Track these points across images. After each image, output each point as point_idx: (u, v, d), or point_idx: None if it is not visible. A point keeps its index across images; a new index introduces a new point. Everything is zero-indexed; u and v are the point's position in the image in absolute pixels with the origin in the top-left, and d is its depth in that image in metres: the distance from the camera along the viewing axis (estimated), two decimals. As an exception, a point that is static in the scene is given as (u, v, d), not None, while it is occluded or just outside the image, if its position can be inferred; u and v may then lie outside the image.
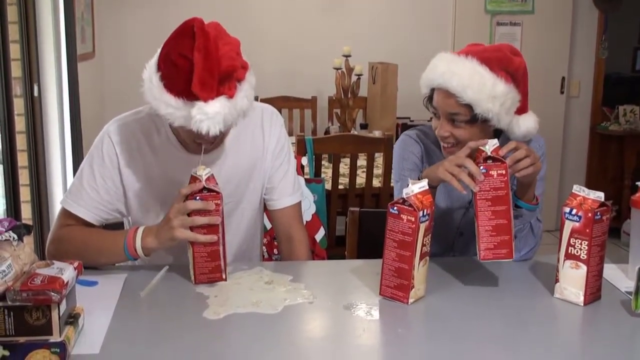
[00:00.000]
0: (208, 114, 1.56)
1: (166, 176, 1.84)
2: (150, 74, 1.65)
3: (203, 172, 1.65)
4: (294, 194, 2.02)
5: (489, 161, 1.65)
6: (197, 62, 1.56)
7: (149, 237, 1.71)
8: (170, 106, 1.60)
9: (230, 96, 1.61)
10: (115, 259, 1.79)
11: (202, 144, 1.74)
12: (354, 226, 2.27)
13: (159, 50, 1.67)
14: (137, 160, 1.85)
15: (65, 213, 1.85)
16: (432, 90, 1.95)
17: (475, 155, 1.70)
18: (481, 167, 1.65)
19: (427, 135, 2.08)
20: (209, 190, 1.64)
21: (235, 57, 1.65)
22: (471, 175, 1.65)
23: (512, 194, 1.70)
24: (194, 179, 1.65)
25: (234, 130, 1.90)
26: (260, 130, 1.96)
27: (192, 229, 1.65)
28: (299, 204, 2.06)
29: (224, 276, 1.70)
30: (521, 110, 1.87)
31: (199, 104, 1.57)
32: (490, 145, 1.68)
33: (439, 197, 1.92)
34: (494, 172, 1.65)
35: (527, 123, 1.88)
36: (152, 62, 1.67)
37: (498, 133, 1.93)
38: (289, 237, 2.03)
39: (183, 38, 1.59)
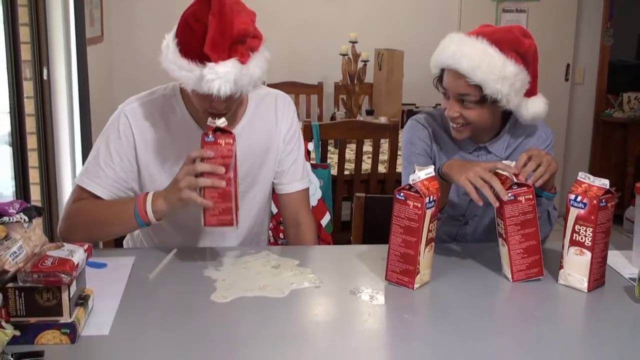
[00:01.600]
0: (218, 73, 1.60)
1: (181, 156, 1.84)
2: (168, 41, 1.70)
3: (219, 121, 1.66)
4: (303, 179, 2.05)
5: (515, 187, 1.66)
6: (211, 25, 1.60)
7: (158, 200, 1.71)
8: (183, 69, 1.65)
9: (243, 62, 1.64)
10: (126, 226, 1.80)
11: (215, 114, 1.74)
12: (359, 211, 2.29)
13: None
14: (153, 139, 1.87)
15: (78, 191, 1.86)
16: (442, 70, 1.95)
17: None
18: (510, 195, 1.65)
19: (435, 118, 2.09)
20: (222, 131, 1.65)
21: (249, 24, 1.68)
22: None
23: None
24: (209, 127, 1.66)
25: (248, 113, 1.92)
26: (273, 115, 1.98)
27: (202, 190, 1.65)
28: (307, 190, 2.08)
29: (235, 221, 1.67)
30: (530, 92, 1.88)
31: (210, 65, 1.60)
32: (513, 167, 1.68)
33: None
34: (522, 198, 1.65)
35: (535, 106, 1.90)
36: (172, 32, 1.71)
37: (507, 115, 1.94)
38: (297, 222, 2.05)
39: (201, 4, 1.64)
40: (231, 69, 1.61)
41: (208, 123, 1.66)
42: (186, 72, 1.65)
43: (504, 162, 1.72)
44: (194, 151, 1.65)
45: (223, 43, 1.62)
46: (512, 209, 1.66)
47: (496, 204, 1.64)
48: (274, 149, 1.98)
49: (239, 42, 1.64)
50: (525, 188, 1.65)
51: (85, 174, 1.86)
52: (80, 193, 1.85)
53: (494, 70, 1.79)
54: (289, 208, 2.05)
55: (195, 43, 1.62)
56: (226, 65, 1.61)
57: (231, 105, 1.77)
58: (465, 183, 1.69)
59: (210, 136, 1.64)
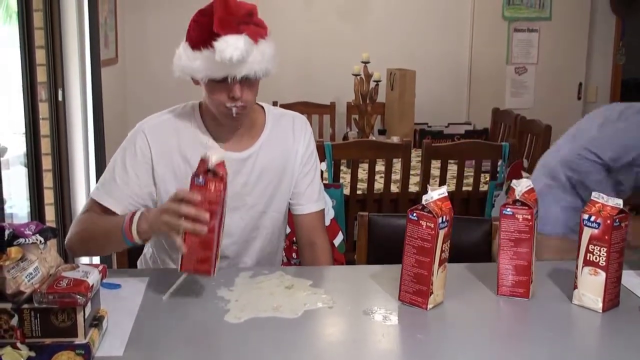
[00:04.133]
0: (229, 42, 1.65)
1: None
2: (180, 51, 1.79)
3: (214, 157, 1.57)
4: (318, 200, 2.06)
5: (517, 204, 1.67)
6: (217, 8, 1.67)
7: (144, 222, 1.68)
8: (196, 59, 1.72)
9: (253, 41, 1.70)
10: (116, 243, 1.74)
11: (234, 109, 1.77)
12: (363, 231, 2.29)
13: None
14: (170, 155, 1.88)
15: (90, 203, 1.88)
16: None
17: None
18: (508, 209, 1.67)
19: None
20: (214, 173, 1.57)
21: (253, 9, 1.75)
22: None
23: None
24: (203, 161, 1.57)
25: (265, 133, 1.94)
26: (291, 136, 1.99)
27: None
28: (322, 211, 2.08)
29: (212, 271, 1.59)
30: None
31: (221, 38, 1.66)
32: (523, 187, 1.68)
33: None
34: (519, 216, 1.66)
35: None
36: (182, 42, 1.80)
37: None
38: (312, 243, 2.05)
39: (205, 6, 1.73)
40: (241, 39, 1.66)
41: (202, 157, 1.57)
42: (200, 61, 1.71)
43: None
44: (182, 191, 1.58)
45: (231, 21, 1.67)
46: (508, 224, 1.67)
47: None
48: (290, 170, 1.99)
49: (246, 22, 1.70)
50: (527, 208, 1.65)
51: (101, 188, 1.88)
52: (93, 206, 1.87)
53: None
54: (304, 229, 2.06)
55: (203, 31, 1.69)
56: (236, 37, 1.66)
57: (248, 95, 1.78)
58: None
59: (201, 179, 1.56)
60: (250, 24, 1.71)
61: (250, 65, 1.70)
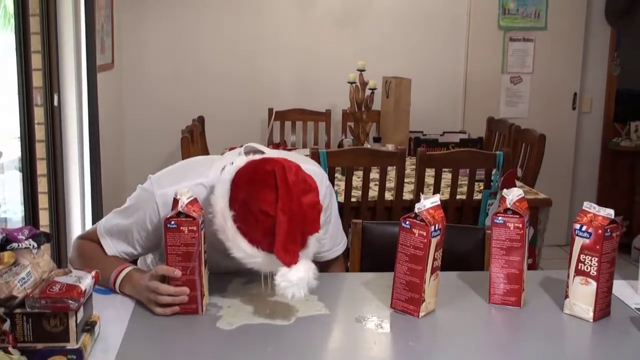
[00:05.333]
0: (292, 281, 1.51)
1: (211, 244, 1.69)
2: (220, 207, 1.57)
3: (184, 197, 1.57)
4: (331, 249, 2.00)
5: (509, 212, 1.68)
6: (281, 225, 1.51)
7: (127, 285, 1.69)
8: (243, 252, 1.55)
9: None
10: (104, 285, 1.73)
11: None
12: (356, 238, 2.29)
13: (225, 178, 1.59)
14: None
15: (94, 233, 1.85)
16: None
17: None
18: (499, 218, 1.68)
19: None
20: (186, 215, 1.56)
21: (317, 217, 1.60)
22: None
23: None
24: (176, 201, 1.58)
25: None
26: None
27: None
28: (341, 254, 2.05)
29: (200, 309, 1.61)
30: None
31: (283, 270, 1.52)
32: (514, 196, 1.69)
33: None
34: (510, 225, 1.67)
35: None
36: (222, 191, 1.59)
37: None
38: (327, 270, 2.02)
39: (264, 190, 1.54)
40: (304, 273, 1.53)
41: (174, 196, 1.59)
42: (248, 256, 1.55)
43: None
44: (161, 268, 1.60)
45: (295, 248, 1.53)
46: (499, 233, 1.68)
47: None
48: None
49: (307, 240, 1.57)
50: (518, 217, 1.66)
51: (108, 232, 1.82)
52: (94, 236, 1.85)
53: None
54: (320, 266, 2.03)
55: (260, 232, 1.53)
56: (299, 271, 1.52)
57: None
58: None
59: (173, 223, 1.56)
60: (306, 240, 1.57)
61: (308, 285, 1.55)
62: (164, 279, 1.62)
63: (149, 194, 1.76)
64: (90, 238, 1.87)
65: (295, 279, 1.51)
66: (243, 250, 1.55)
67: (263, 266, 1.57)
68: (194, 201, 1.60)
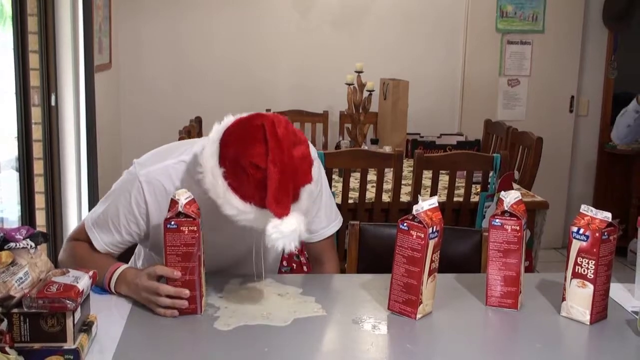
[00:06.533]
0: (284, 232, 1.51)
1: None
2: (210, 165, 1.57)
3: (183, 197, 1.57)
4: (328, 226, 2.01)
5: (506, 215, 1.68)
6: (272, 176, 1.50)
7: (122, 284, 1.68)
8: (236, 209, 1.54)
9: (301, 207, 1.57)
10: (99, 285, 1.72)
11: None
12: (354, 239, 2.29)
13: (214, 137, 1.60)
14: (167, 207, 1.71)
15: (82, 230, 1.85)
16: None
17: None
18: (497, 220, 1.68)
19: None
20: (186, 215, 1.56)
21: (308, 169, 1.60)
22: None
23: None
24: (174, 202, 1.58)
25: None
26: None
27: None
28: (332, 235, 2.04)
29: (199, 309, 1.61)
30: None
31: (274, 221, 1.51)
32: (512, 199, 1.69)
33: None
34: (508, 227, 1.68)
35: None
36: (211, 150, 1.58)
37: None
38: (320, 261, 2.05)
39: (254, 144, 1.53)
40: (296, 225, 1.52)
41: (172, 197, 1.59)
42: (240, 213, 1.54)
43: None
44: (160, 268, 1.60)
45: (286, 199, 1.53)
46: (497, 235, 1.68)
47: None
48: None
49: (299, 192, 1.57)
50: (515, 219, 1.67)
51: (95, 223, 1.82)
52: (82, 233, 1.84)
53: None
54: (312, 251, 2.05)
55: (251, 186, 1.52)
56: (290, 223, 1.52)
57: None
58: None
59: (173, 223, 1.55)
60: (303, 190, 1.58)
61: (300, 237, 1.56)
62: (161, 279, 1.62)
63: (132, 175, 1.77)
64: (79, 237, 1.86)
65: (287, 230, 1.51)
66: (235, 207, 1.54)
67: (255, 222, 1.55)
68: (192, 201, 1.59)
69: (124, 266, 1.74)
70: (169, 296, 1.59)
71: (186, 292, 1.58)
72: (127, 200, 1.77)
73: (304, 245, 2.11)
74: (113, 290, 1.70)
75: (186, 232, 1.56)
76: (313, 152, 1.91)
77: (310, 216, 1.94)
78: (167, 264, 1.58)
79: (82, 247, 1.84)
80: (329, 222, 2.02)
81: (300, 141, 1.60)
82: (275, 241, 1.51)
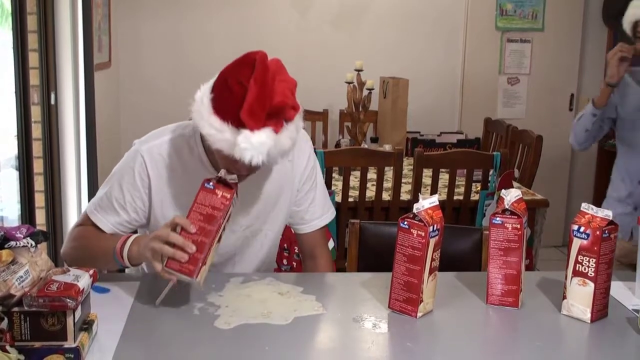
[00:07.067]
0: (253, 144, 1.55)
1: (193, 198, 1.76)
2: (202, 95, 1.65)
3: (229, 176, 1.61)
4: (322, 216, 2.03)
5: (507, 213, 1.68)
6: (251, 91, 1.55)
7: (134, 246, 1.67)
8: (214, 128, 1.59)
9: (277, 131, 1.59)
10: (108, 262, 1.74)
11: (236, 175, 1.66)
12: (354, 238, 2.29)
13: (217, 75, 1.67)
14: (169, 180, 1.82)
15: (85, 218, 1.86)
16: (635, 24, 2.46)
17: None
18: (497, 219, 1.68)
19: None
20: (225, 183, 1.60)
21: (289, 96, 1.64)
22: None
23: None
24: (202, 189, 1.60)
25: None
26: (290, 154, 1.87)
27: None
28: (324, 226, 2.07)
29: (196, 273, 1.54)
30: None
31: (245, 133, 1.55)
32: (512, 197, 1.69)
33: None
34: (509, 225, 1.68)
35: None
36: (208, 85, 1.66)
37: None
38: (313, 255, 2.06)
39: (243, 66, 1.60)
40: (266, 139, 1.56)
41: (219, 173, 1.62)
42: (216, 132, 1.59)
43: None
44: (179, 217, 1.59)
45: (260, 113, 1.56)
46: (497, 234, 1.68)
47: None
48: (289, 188, 1.95)
49: (276, 114, 1.60)
50: (516, 217, 1.67)
51: (98, 209, 1.83)
52: (87, 220, 1.86)
53: None
54: (305, 244, 2.06)
55: (232, 105, 1.57)
56: (260, 136, 1.55)
57: (253, 171, 1.73)
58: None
59: (211, 184, 1.59)
60: (282, 113, 1.62)
61: (269, 158, 1.60)
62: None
63: (134, 152, 1.83)
64: (84, 223, 1.87)
65: (256, 142, 1.55)
66: (213, 126, 1.59)
67: (228, 144, 1.57)
68: (235, 184, 1.62)
69: (136, 234, 1.75)
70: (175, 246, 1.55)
71: (193, 247, 1.54)
72: (130, 176, 1.81)
73: (297, 242, 2.11)
74: (125, 256, 1.67)
75: (219, 195, 1.58)
76: (306, 137, 2.02)
77: (305, 205, 1.99)
78: (189, 218, 1.58)
79: (88, 229, 1.84)
80: (323, 213, 2.04)
81: (288, 79, 1.67)
82: (243, 151, 1.55)
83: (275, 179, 1.92)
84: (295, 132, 1.67)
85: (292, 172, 1.96)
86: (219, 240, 1.62)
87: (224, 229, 1.61)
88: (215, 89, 1.63)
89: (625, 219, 2.64)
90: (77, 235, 1.85)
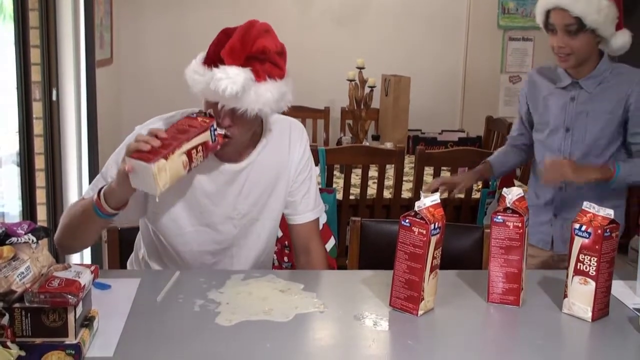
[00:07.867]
0: (228, 74, 1.62)
1: (192, 182, 1.84)
2: (199, 56, 1.75)
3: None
4: (315, 208, 2.04)
5: (508, 211, 1.68)
6: (235, 35, 1.67)
7: (108, 185, 1.70)
8: (197, 72, 1.69)
9: (257, 79, 1.66)
10: (88, 217, 1.73)
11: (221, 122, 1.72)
12: (355, 236, 2.29)
13: None
14: None
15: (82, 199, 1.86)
16: (547, 13, 2.35)
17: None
18: (499, 217, 1.68)
19: (540, 70, 2.61)
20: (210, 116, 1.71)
21: (273, 47, 1.71)
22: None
23: None
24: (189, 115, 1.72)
25: (263, 141, 1.90)
26: (287, 143, 1.96)
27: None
28: (318, 219, 2.08)
29: (153, 162, 1.55)
30: (618, 26, 2.32)
31: (223, 66, 1.64)
32: (514, 195, 1.69)
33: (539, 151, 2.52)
34: (510, 224, 1.68)
35: (623, 37, 2.35)
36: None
37: (602, 55, 2.37)
38: (307, 250, 2.05)
39: (236, 27, 1.71)
40: (242, 73, 1.63)
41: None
42: (199, 76, 1.68)
43: None
44: (156, 129, 1.66)
45: (240, 53, 1.65)
46: (499, 232, 1.68)
47: None
48: (285, 178, 1.96)
49: (257, 59, 1.66)
50: (517, 216, 1.67)
51: (93, 186, 1.86)
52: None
53: (591, 3, 2.21)
54: (299, 237, 2.06)
55: (216, 51, 1.67)
56: (237, 70, 1.63)
57: (236, 130, 1.73)
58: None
59: (194, 114, 1.71)
60: (263, 61, 1.68)
61: (243, 101, 1.65)
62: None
63: (133, 133, 1.85)
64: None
65: (232, 73, 1.62)
66: (197, 72, 1.69)
67: (208, 82, 1.64)
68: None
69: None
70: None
71: (157, 141, 1.59)
72: None
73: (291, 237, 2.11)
74: (102, 196, 1.68)
75: (199, 120, 1.69)
76: (302, 129, 2.04)
77: (299, 195, 2.01)
78: (166, 132, 1.65)
79: (70, 206, 1.87)
80: (316, 206, 2.05)
81: (277, 42, 1.75)
82: (218, 81, 1.62)
83: (272, 167, 1.93)
84: (279, 93, 1.71)
85: (289, 161, 1.97)
86: (189, 170, 1.65)
87: (197, 161, 1.66)
88: (208, 48, 1.73)
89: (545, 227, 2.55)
90: (64, 214, 1.86)
